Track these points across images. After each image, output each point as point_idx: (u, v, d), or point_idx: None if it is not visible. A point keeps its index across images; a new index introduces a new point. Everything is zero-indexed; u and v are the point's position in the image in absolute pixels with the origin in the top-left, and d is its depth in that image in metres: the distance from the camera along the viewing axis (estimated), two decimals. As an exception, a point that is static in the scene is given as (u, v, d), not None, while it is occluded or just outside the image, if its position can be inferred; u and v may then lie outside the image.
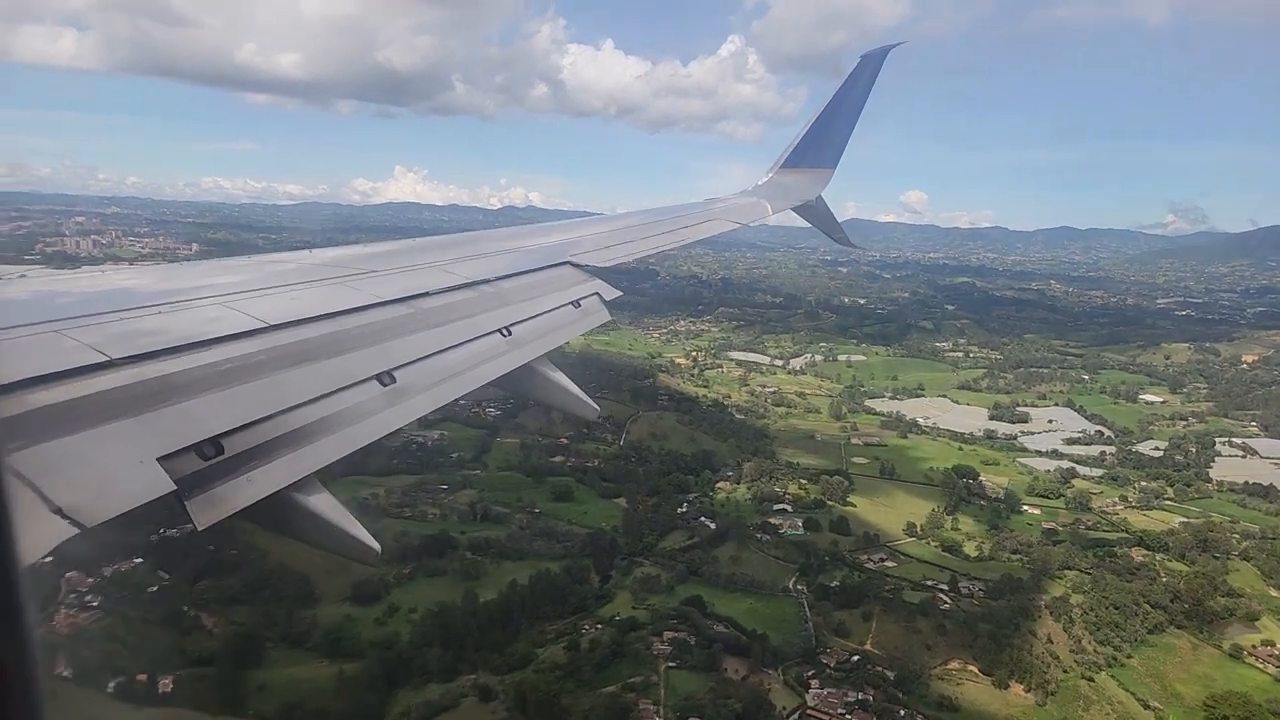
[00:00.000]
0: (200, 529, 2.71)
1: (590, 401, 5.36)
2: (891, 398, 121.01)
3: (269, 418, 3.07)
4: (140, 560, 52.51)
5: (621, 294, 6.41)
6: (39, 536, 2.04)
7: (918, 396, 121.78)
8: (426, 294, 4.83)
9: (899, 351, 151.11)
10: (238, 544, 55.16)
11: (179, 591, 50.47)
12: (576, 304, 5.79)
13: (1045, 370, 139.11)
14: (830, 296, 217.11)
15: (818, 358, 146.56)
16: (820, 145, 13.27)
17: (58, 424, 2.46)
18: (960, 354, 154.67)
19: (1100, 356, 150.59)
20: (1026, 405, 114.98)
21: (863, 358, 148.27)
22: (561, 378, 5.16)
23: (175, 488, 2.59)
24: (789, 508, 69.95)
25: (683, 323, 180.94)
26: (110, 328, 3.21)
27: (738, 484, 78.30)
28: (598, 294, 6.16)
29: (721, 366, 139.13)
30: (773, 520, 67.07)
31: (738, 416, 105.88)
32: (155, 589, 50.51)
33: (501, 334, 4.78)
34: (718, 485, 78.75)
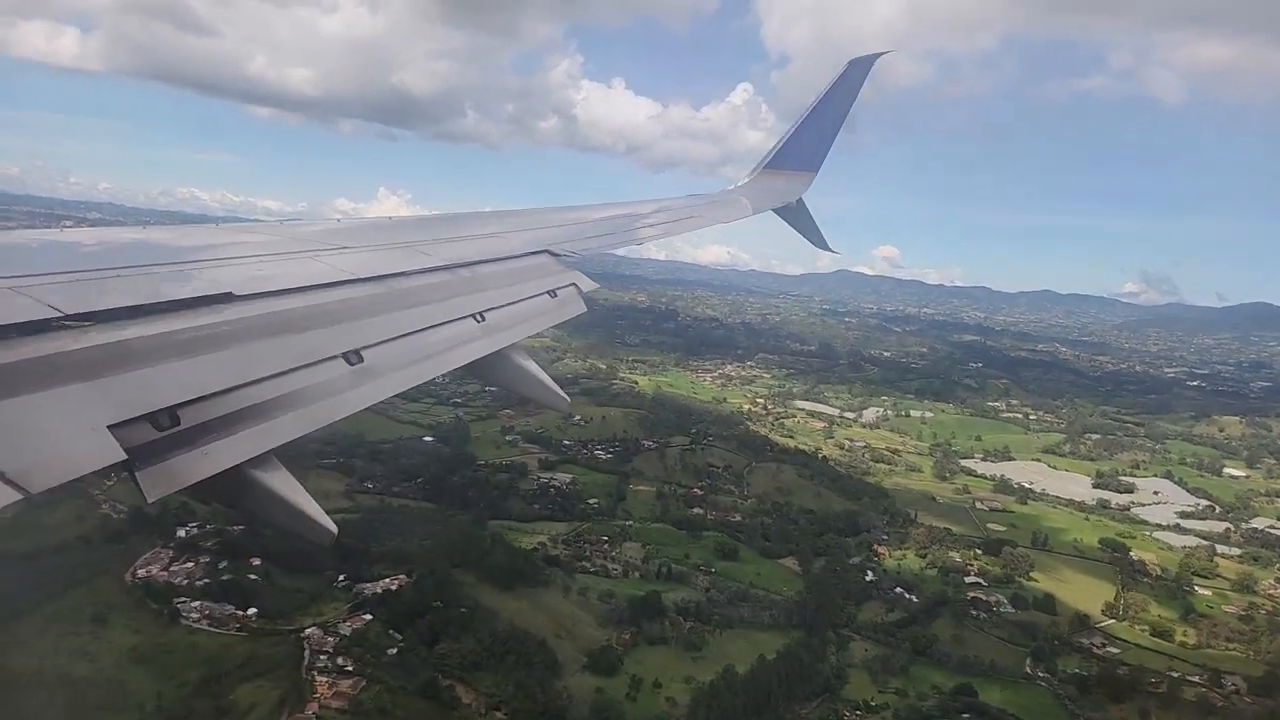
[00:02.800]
0: (150, 501, 2.52)
1: (562, 393, 5.04)
2: (983, 459, 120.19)
3: (229, 390, 2.89)
4: (369, 616, 47.15)
5: (599, 286, 6.12)
6: None
7: (1008, 459, 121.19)
8: (400, 274, 4.59)
9: (967, 411, 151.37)
10: (465, 600, 50.28)
11: (419, 655, 45.13)
12: (553, 294, 5.60)
13: (1113, 437, 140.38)
14: (857, 347, 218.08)
15: (890, 412, 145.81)
16: (803, 148, 13.15)
17: (2, 384, 2.33)
18: (1018, 415, 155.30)
19: (1155, 425, 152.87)
20: (1124, 475, 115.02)
21: (930, 414, 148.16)
22: (534, 367, 4.87)
23: (126, 457, 2.42)
24: (982, 581, 67.25)
25: (729, 367, 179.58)
26: (66, 287, 3.00)
27: (898, 548, 75.55)
28: (575, 285, 5.88)
29: (796, 416, 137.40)
30: (975, 595, 64.18)
31: (839, 470, 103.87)
32: (394, 650, 45.09)
33: (475, 319, 4.60)
34: (876, 549, 75.88)
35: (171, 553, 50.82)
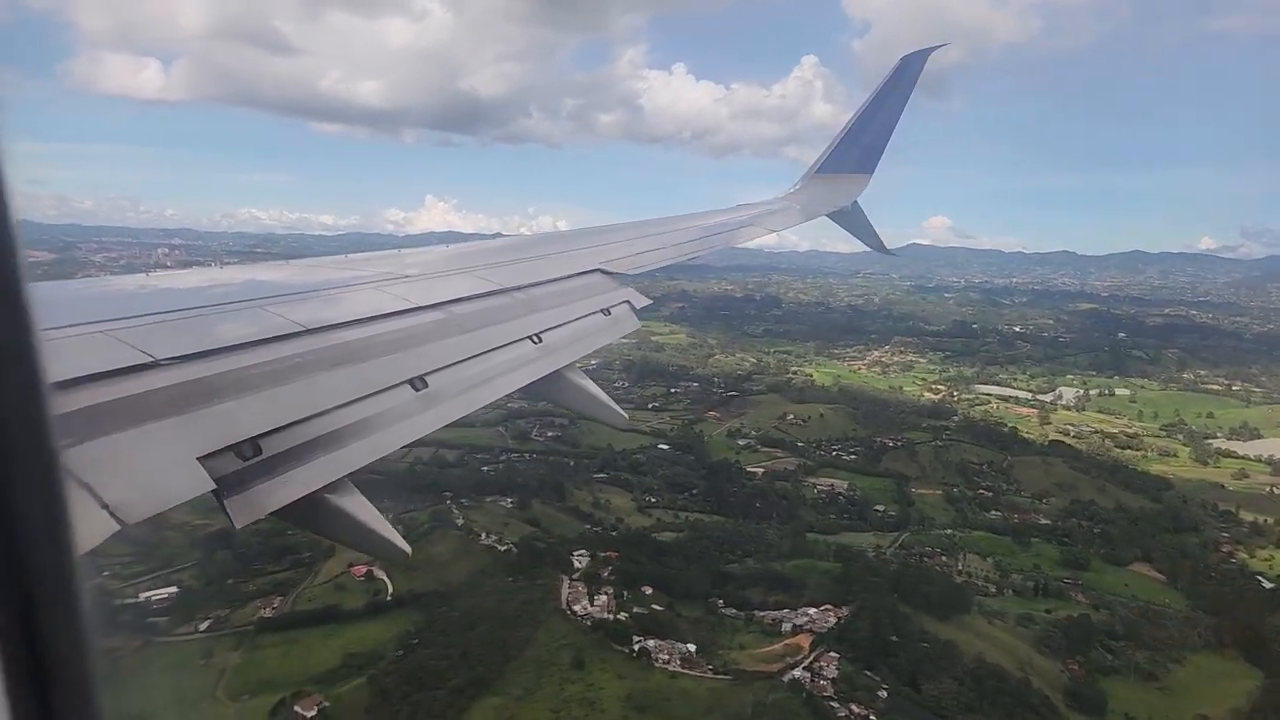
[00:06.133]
0: (238, 527, 2.62)
1: (619, 409, 4.96)
2: (1230, 439, 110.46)
3: (305, 420, 2.99)
4: (836, 654, 42.64)
5: (651, 302, 5.99)
6: (88, 532, 2.11)
7: (1258, 437, 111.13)
8: (459, 300, 4.62)
9: (1172, 386, 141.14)
10: (913, 633, 45.54)
11: (906, 697, 40.51)
12: (607, 312, 5.52)
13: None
14: (991, 324, 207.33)
15: (1091, 392, 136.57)
16: (857, 150, 12.52)
17: (104, 422, 2.44)
18: (1215, 386, 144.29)
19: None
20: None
21: (1128, 391, 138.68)
22: (591, 385, 4.73)
23: (215, 487, 2.57)
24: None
25: (875, 352, 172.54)
26: (152, 329, 3.14)
27: (1258, 547, 68.06)
28: (628, 302, 5.82)
29: (990, 403, 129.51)
30: None
31: (1104, 461, 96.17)
32: (884, 694, 40.53)
33: (532, 340, 4.58)
34: (1226, 550, 68.51)
35: (581, 585, 47.50)
